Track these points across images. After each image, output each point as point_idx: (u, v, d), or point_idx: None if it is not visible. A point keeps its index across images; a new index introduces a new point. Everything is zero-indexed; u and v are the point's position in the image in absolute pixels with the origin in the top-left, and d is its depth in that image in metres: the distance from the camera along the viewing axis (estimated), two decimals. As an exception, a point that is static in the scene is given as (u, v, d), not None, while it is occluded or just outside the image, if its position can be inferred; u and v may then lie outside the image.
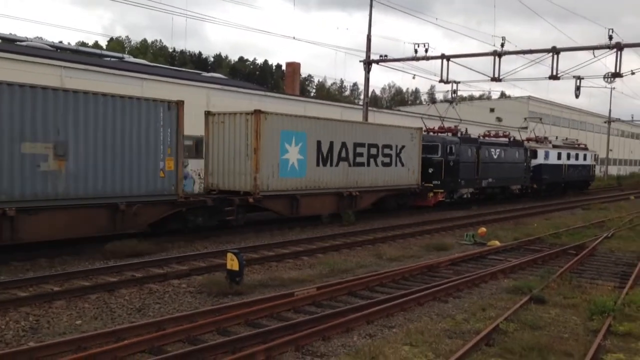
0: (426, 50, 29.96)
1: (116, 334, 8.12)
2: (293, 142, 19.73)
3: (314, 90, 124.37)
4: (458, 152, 28.78)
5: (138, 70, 29.91)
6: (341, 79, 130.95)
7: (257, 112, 18.39)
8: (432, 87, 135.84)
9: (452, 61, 29.88)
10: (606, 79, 28.32)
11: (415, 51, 30.10)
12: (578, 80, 28.95)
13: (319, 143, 20.77)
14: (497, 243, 17.62)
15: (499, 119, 68.60)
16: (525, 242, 18.01)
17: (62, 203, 13.69)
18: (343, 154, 21.97)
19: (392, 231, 20.36)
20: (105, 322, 9.16)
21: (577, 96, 29.08)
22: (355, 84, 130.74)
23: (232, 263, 11.36)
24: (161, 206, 16.03)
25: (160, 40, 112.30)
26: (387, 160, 24.30)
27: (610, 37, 26.61)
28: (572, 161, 42.77)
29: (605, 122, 69.76)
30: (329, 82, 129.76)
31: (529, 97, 71.34)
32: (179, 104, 16.21)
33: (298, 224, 20.42)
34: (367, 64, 31.73)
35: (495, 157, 32.16)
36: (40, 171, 13.23)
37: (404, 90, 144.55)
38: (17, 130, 12.82)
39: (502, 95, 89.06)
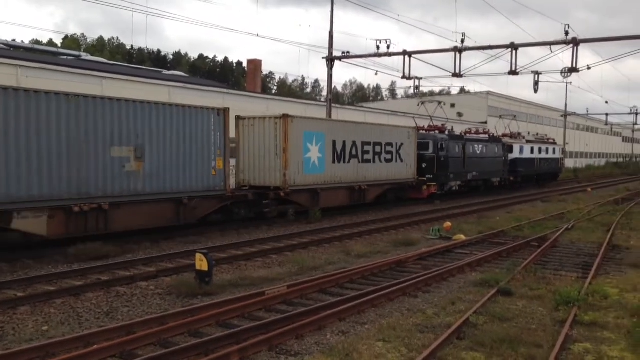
0: (388, 47, 30.17)
1: (85, 339, 7.95)
2: (314, 142, 22.19)
3: (275, 88, 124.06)
4: (447, 149, 31.18)
5: (97, 68, 29.34)
6: (302, 75, 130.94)
7: (285, 116, 20.78)
8: (393, 83, 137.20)
9: (413, 57, 30.17)
10: (563, 74, 28.95)
11: (378, 47, 30.29)
12: (536, 76, 29.57)
13: (334, 142, 23.28)
14: (462, 237, 17.87)
15: (459, 114, 69.56)
16: (490, 236, 18.31)
17: (141, 198, 16.13)
18: (354, 152, 24.46)
19: (358, 227, 20.46)
20: (72, 327, 8.95)
21: (535, 91, 29.70)
22: (317, 81, 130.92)
23: (202, 263, 11.25)
24: (213, 200, 18.40)
25: (118, 38, 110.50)
26: (389, 157, 26.88)
27: (567, 33, 27.20)
28: (543, 155, 46.01)
29: (561, 116, 71.45)
30: (290, 79, 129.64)
31: (488, 93, 72.58)
32: (226, 111, 18.62)
33: (264, 222, 20.35)
34: (330, 60, 31.77)
35: (478, 152, 34.81)
36: (125, 171, 15.69)
37: (366, 86, 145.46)
38: (107, 136, 15.22)
39: (462, 90, 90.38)
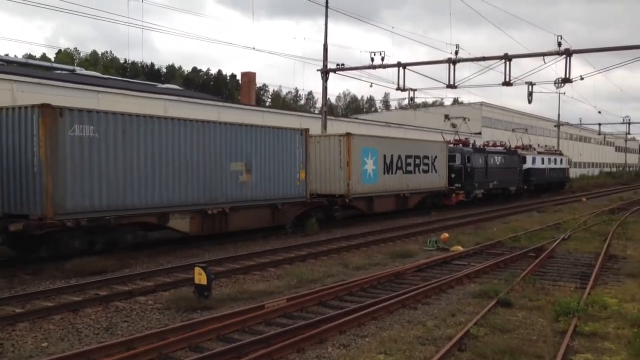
0: (382, 59, 30.40)
1: (85, 355, 7.90)
2: (369, 156, 25.55)
3: (269, 100, 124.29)
4: (473, 160, 35.07)
5: (92, 82, 29.36)
6: (296, 88, 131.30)
7: (348, 134, 24.41)
8: (387, 95, 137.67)
9: (408, 69, 30.34)
10: (556, 84, 29.16)
11: (372, 59, 30.49)
12: (530, 86, 29.77)
13: (384, 156, 26.73)
14: (460, 248, 17.89)
15: (453, 125, 69.82)
16: (487, 246, 18.34)
17: (249, 204, 19.49)
18: (399, 164, 27.97)
19: (355, 240, 20.46)
20: (72, 343, 8.90)
21: (530, 101, 29.96)
22: (310, 93, 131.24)
23: (200, 277, 11.21)
24: (298, 206, 21.74)
25: (111, 52, 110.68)
26: (426, 168, 30.40)
27: (559, 44, 27.44)
28: (552, 165, 50.36)
29: (555, 126, 71.83)
30: (284, 91, 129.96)
31: (482, 103, 72.91)
32: (306, 131, 22.03)
33: (261, 236, 20.34)
34: (325, 72, 31.91)
35: (497, 163, 38.66)
36: (239, 182, 19.11)
37: (359, 97, 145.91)
38: (228, 154, 18.66)
39: (455, 101, 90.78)
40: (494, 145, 42.53)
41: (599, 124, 70.94)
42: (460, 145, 36.55)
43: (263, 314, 10.10)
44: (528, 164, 44.62)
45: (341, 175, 24.08)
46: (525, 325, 9.80)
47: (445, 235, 20.18)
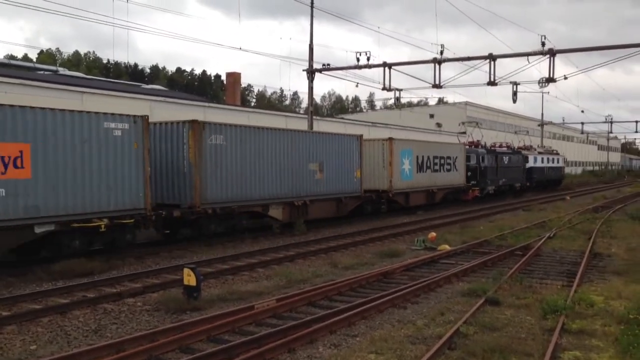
0: (368, 59, 30.39)
1: (75, 358, 7.85)
2: (406, 157, 29.55)
3: (254, 100, 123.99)
4: (486, 160, 39.52)
5: (75, 83, 29.12)
6: (281, 88, 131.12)
7: (390, 139, 28.51)
8: (372, 95, 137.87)
9: (393, 69, 30.42)
10: (540, 84, 29.36)
11: (358, 60, 30.49)
12: (515, 86, 29.96)
13: (417, 157, 30.66)
14: (447, 247, 17.99)
15: (438, 125, 70.16)
16: (474, 245, 18.46)
17: (322, 197, 23.58)
18: (428, 164, 31.90)
19: (343, 239, 20.50)
20: (61, 345, 8.84)
21: (514, 101, 30.12)
22: (295, 93, 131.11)
23: (189, 278, 11.19)
24: (355, 199, 25.85)
25: (94, 52, 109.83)
26: (449, 167, 34.34)
27: (543, 44, 27.63)
28: (550, 164, 54.94)
29: (538, 125, 72.42)
30: (269, 92, 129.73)
31: (467, 103, 73.34)
32: (361, 137, 26.32)
33: (249, 235, 20.30)
34: (310, 72, 31.89)
35: (505, 162, 42.91)
36: (315, 179, 23.13)
37: (344, 97, 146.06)
38: (307, 156, 22.65)
39: (440, 101, 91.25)
40: (500, 146, 46.27)
41: (582, 123, 71.66)
42: (473, 146, 40.51)
43: (253, 314, 10.09)
44: (530, 163, 48.65)
45: (384, 173, 28.03)
46: (513, 323, 9.88)
47: (433, 234, 20.28)
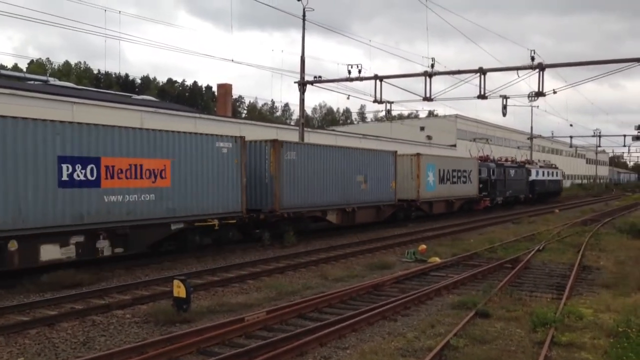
0: (359, 71, 30.52)
1: (63, 371, 7.78)
2: (430, 170, 33.38)
3: (245, 111, 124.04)
4: (496, 173, 43.83)
5: (66, 93, 29.03)
6: (272, 99, 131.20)
7: (418, 154, 32.75)
8: (363, 107, 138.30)
9: (384, 82, 30.56)
10: (530, 98, 29.58)
11: (349, 72, 30.61)
12: (504, 99, 30.17)
13: (439, 170, 34.39)
14: (437, 259, 18.02)
15: (429, 137, 70.44)
16: (464, 258, 18.50)
17: (366, 204, 27.09)
18: (448, 176, 35.62)
19: (333, 251, 20.49)
20: (49, 358, 8.76)
21: (504, 114, 30.27)
22: (286, 105, 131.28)
23: (179, 290, 11.13)
24: (390, 207, 29.51)
25: (85, 62, 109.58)
26: (464, 179, 38.24)
27: (533, 58, 27.88)
28: (551, 177, 59.65)
29: (528, 139, 72.88)
30: (259, 103, 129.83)
31: (457, 116, 73.73)
32: (396, 153, 30.30)
33: (238, 247, 20.25)
34: (302, 84, 31.98)
35: (512, 175, 47.18)
36: (361, 189, 26.59)
37: (335, 110, 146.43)
38: (355, 169, 26.25)
39: (430, 113, 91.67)
40: (505, 160, 50.00)
41: (571, 137, 72.15)
42: (482, 161, 44.12)
43: (243, 326, 10.05)
44: (533, 176, 52.81)
45: (412, 184, 31.89)
46: (503, 336, 9.90)
47: (423, 246, 20.31)
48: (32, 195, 13.94)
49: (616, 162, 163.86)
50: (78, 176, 15.06)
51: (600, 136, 72.36)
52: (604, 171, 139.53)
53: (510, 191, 46.47)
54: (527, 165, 52.42)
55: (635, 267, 15.61)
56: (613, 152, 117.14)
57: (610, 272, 16.20)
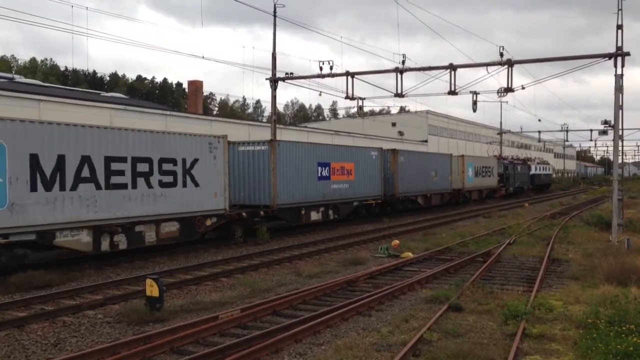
0: (331, 68, 30.48)
1: (33, 373, 7.65)
2: (470, 167, 44.89)
3: (216, 108, 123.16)
4: (510, 169, 56.43)
5: (33, 91, 28.48)
6: (243, 96, 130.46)
7: (463, 156, 44.64)
8: (334, 103, 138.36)
9: (356, 78, 30.61)
10: (499, 94, 29.91)
11: (321, 68, 30.54)
12: (474, 95, 30.47)
13: (475, 167, 46.16)
14: (410, 255, 18.15)
15: (400, 133, 70.83)
16: (436, 252, 18.67)
17: (436, 192, 38.01)
18: (479, 171, 47.50)
19: (307, 247, 20.50)
20: (19, 360, 8.60)
21: (474, 110, 30.48)
22: (258, 101, 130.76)
23: (152, 289, 11.02)
24: (450, 194, 40.70)
25: (51, 59, 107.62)
26: (489, 174, 50.18)
27: (501, 54, 28.20)
28: (544, 172, 73.16)
29: (497, 134, 73.74)
30: (231, 100, 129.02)
31: (428, 112, 74.22)
32: (451, 155, 41.72)
33: (212, 245, 20.12)
34: (274, 81, 31.86)
35: (519, 170, 60.00)
36: (433, 181, 37.39)
37: (307, 106, 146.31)
38: (430, 167, 37.18)
39: (402, 109, 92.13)
40: (513, 158, 64.05)
41: (539, 132, 73.15)
42: (498, 158, 56.52)
43: (217, 325, 10.00)
44: (532, 171, 66.06)
45: (459, 178, 42.71)
46: (476, 329, 10.02)
47: (396, 242, 20.43)
48: (305, 184, 24.94)
49: (583, 156, 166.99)
50: (322, 174, 26.28)
51: (567, 131, 73.46)
52: (571, 165, 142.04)
53: (518, 183, 59.02)
54: (528, 162, 66.57)
55: (603, 259, 15.90)
56: (580, 146, 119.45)
57: (579, 265, 16.51)
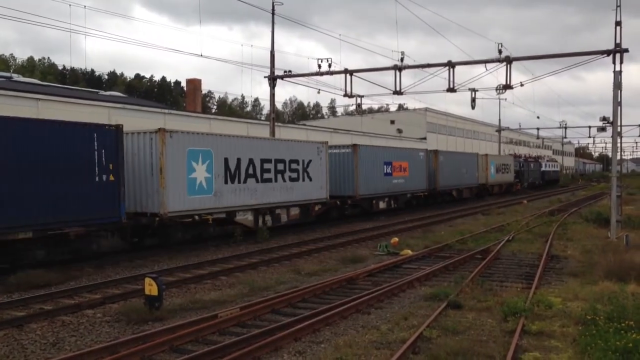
0: (329, 66, 30.47)
1: (33, 373, 7.65)
2: (492, 164, 50.23)
3: (215, 107, 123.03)
4: (524, 166, 63.92)
5: (31, 90, 28.44)
6: (242, 94, 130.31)
7: (487, 155, 50.24)
8: (333, 101, 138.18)
9: (354, 75, 30.58)
10: (498, 91, 29.89)
11: (319, 66, 30.52)
12: (473, 92, 30.44)
13: (496, 164, 51.25)
14: (409, 252, 18.15)
15: (399, 130, 70.81)
16: (435, 250, 18.69)
17: (467, 186, 44.45)
18: (499, 168, 52.53)
19: (306, 245, 20.49)
20: (18, 359, 8.59)
21: (473, 107, 30.50)
22: (257, 99, 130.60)
23: (151, 288, 11.02)
24: (477, 188, 47.11)
25: (49, 58, 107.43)
26: (507, 170, 55.64)
27: (500, 52, 28.18)
28: (553, 168, 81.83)
29: (496, 131, 73.75)
30: (230, 98, 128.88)
31: (427, 109, 74.17)
32: (477, 154, 48.10)
33: (213, 243, 20.13)
34: (272, 79, 31.84)
35: (532, 167, 67.80)
36: (465, 176, 43.47)
37: (306, 104, 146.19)
38: (462, 165, 43.10)
39: (400, 107, 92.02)
40: (526, 156, 72.13)
41: (538, 129, 73.15)
42: (514, 157, 63.57)
43: (216, 323, 10.00)
44: (543, 168, 73.78)
45: (483, 174, 47.80)
46: (475, 326, 10.03)
47: (395, 239, 20.44)
48: (376, 179, 30.45)
49: (582, 153, 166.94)
50: (387, 171, 31.52)
51: (566, 128, 73.47)
52: (570, 162, 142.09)
53: (531, 179, 66.29)
54: (539, 160, 75.08)
55: (602, 255, 15.92)
56: (579, 143, 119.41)
57: (578, 261, 16.53)
